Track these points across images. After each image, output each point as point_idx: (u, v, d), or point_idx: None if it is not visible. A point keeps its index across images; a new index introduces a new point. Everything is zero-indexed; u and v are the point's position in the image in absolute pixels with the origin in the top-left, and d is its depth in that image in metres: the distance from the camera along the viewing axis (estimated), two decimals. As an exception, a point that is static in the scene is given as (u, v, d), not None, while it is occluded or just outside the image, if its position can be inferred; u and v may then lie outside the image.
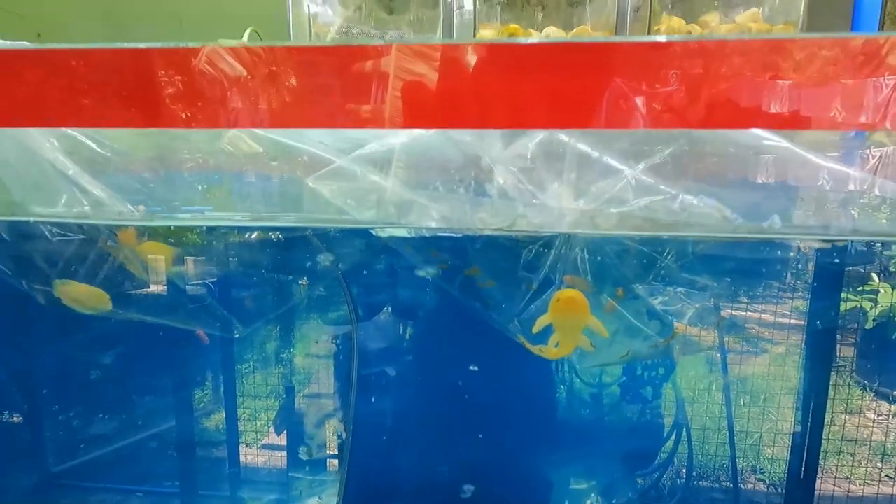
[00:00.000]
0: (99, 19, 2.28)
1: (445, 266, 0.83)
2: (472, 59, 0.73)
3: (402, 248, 0.81)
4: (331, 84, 0.66)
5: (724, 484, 1.61)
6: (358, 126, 0.66)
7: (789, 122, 0.78)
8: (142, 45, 0.70)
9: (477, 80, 0.74)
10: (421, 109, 0.70)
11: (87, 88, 0.71)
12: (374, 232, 0.70)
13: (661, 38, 0.68)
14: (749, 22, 1.32)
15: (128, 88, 0.70)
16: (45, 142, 0.72)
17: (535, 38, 1.39)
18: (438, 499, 1.24)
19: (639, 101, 0.78)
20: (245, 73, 0.66)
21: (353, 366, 1.26)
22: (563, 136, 0.91)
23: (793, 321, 1.53)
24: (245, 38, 1.50)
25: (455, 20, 1.40)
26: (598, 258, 0.84)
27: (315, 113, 0.66)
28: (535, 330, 0.81)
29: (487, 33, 1.42)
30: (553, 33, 1.38)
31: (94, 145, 0.73)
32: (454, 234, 0.70)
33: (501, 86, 0.75)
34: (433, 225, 0.66)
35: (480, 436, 1.15)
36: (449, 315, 1.06)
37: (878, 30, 1.46)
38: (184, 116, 0.69)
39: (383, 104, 0.66)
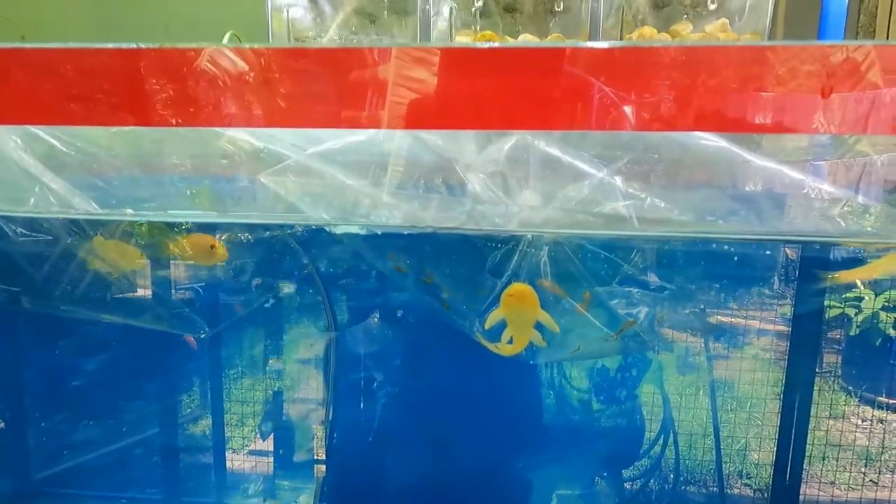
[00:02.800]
0: (87, 25, 2.29)
1: (403, 269, 0.84)
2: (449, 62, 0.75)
3: (367, 247, 0.82)
4: (320, 87, 0.67)
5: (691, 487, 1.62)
6: (347, 126, 0.67)
7: (756, 127, 0.80)
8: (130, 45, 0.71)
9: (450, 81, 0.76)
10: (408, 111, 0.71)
11: (74, 87, 0.71)
12: (328, 230, 0.71)
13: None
14: (718, 32, 1.35)
15: (116, 88, 0.71)
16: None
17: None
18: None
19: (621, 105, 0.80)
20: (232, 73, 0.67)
21: (329, 368, 1.27)
22: (529, 139, 0.93)
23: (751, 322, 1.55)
24: (225, 42, 1.52)
25: (432, 27, 1.42)
26: (563, 259, 0.85)
27: (302, 113, 0.67)
28: (487, 325, 0.82)
29: (463, 40, 1.44)
30: (528, 40, 1.41)
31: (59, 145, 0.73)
32: (415, 233, 0.71)
33: (473, 87, 0.76)
34: (397, 223, 0.67)
35: (453, 440, 1.16)
36: (412, 316, 1.07)
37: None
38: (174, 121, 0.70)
39: (374, 107, 0.67)
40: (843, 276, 1.08)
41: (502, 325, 0.84)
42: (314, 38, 1.53)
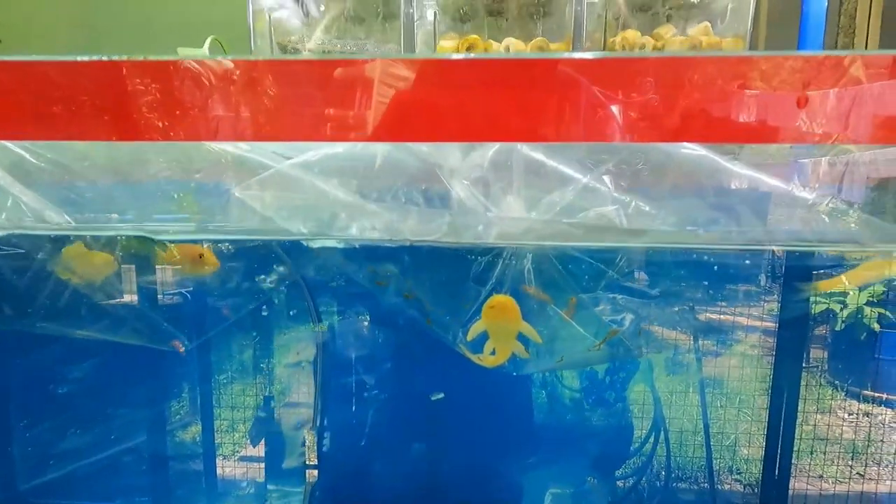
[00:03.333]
0: (71, 28, 2.26)
1: (384, 283, 0.83)
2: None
3: (346, 259, 0.81)
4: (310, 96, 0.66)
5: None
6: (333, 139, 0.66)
7: (747, 136, 0.81)
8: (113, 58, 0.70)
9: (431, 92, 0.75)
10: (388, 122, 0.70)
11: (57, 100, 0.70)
12: (305, 244, 0.70)
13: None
14: (700, 35, 1.36)
15: (103, 101, 0.69)
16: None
17: (496, 49, 1.41)
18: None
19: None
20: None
21: (316, 375, 1.26)
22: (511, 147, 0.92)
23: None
24: (205, 47, 1.50)
25: (416, 31, 1.41)
26: (547, 268, 0.85)
27: (293, 125, 0.66)
28: (469, 337, 0.82)
29: (448, 44, 1.44)
30: (513, 44, 1.41)
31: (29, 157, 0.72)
32: (394, 245, 0.70)
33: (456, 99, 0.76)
34: (375, 236, 0.66)
35: (438, 447, 1.16)
36: (394, 327, 1.07)
37: (825, 42, 1.52)
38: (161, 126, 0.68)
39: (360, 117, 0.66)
40: (825, 285, 1.09)
41: (486, 337, 0.83)
42: (298, 42, 1.52)
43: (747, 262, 1.29)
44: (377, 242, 0.70)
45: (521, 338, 0.84)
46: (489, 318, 0.82)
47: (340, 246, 0.71)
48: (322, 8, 1.52)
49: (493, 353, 0.85)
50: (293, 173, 0.62)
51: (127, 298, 1.05)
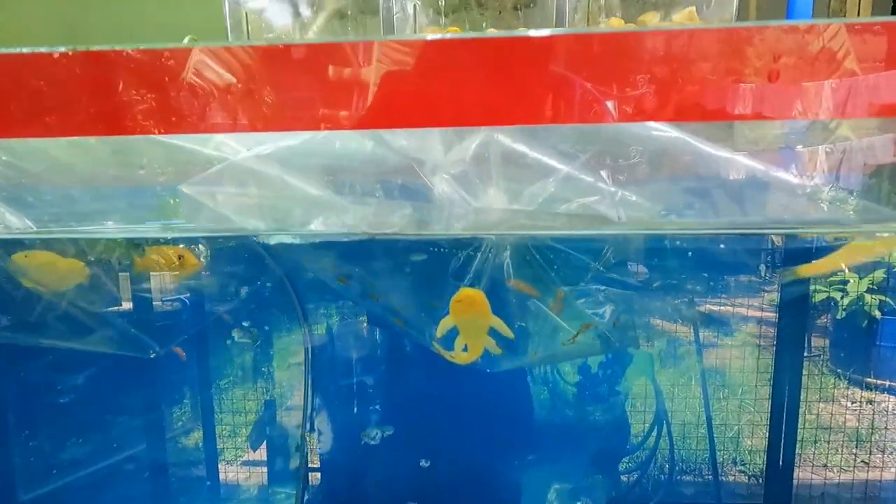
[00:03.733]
0: (54, 33, 2.24)
1: (345, 281, 0.81)
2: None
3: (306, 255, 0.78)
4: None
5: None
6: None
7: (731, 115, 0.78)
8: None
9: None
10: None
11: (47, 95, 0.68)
12: (258, 240, 0.68)
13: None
14: (686, 20, 1.34)
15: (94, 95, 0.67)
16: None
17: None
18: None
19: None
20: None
21: (306, 374, 1.24)
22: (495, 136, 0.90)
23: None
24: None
25: (397, 26, 1.39)
26: (525, 260, 0.83)
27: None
28: (438, 334, 0.79)
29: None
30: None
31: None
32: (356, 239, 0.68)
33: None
34: (338, 230, 0.64)
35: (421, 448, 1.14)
36: (364, 324, 1.04)
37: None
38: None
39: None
40: (804, 269, 1.07)
41: (457, 333, 0.81)
42: (276, 40, 1.49)
43: (744, 249, 1.27)
44: (338, 237, 0.68)
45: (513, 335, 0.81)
46: (457, 312, 0.78)
47: (297, 241, 0.69)
48: (303, 6, 1.50)
49: (466, 349, 0.82)
50: (245, 166, 0.59)
51: (102, 307, 1.03)
